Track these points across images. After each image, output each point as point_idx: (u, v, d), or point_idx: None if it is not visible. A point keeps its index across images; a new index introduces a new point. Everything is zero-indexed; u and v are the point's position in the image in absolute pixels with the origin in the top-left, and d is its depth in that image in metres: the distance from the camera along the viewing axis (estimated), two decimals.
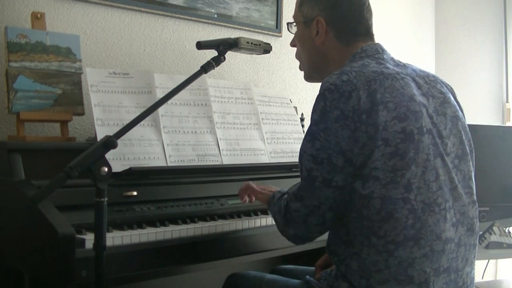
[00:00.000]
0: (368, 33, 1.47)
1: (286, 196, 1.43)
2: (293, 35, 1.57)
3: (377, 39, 1.49)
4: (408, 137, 1.25)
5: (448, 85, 1.47)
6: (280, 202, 1.43)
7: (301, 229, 1.34)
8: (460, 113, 1.41)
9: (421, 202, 1.25)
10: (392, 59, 1.42)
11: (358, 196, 1.26)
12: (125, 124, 1.33)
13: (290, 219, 1.35)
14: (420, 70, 1.43)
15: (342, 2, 1.45)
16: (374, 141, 1.23)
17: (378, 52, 1.41)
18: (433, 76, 1.43)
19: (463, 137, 1.38)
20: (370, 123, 1.23)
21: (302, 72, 1.60)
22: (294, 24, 1.55)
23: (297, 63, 1.60)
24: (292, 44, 1.59)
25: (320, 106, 1.28)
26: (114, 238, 1.39)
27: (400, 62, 1.43)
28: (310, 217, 1.31)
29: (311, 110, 1.33)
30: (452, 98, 1.41)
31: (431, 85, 1.38)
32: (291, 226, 1.36)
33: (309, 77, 1.57)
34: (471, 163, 1.39)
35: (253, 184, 1.72)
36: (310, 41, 1.49)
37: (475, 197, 1.38)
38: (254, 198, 1.72)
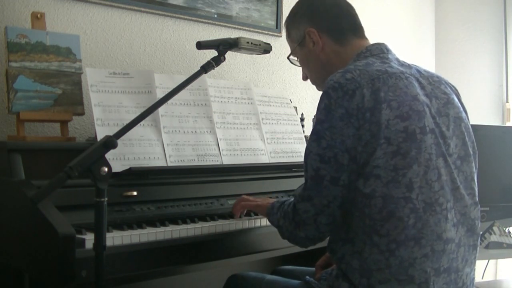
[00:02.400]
0: (356, 26, 1.50)
1: (287, 202, 1.42)
2: (300, 67, 1.61)
3: (377, 39, 1.50)
4: (410, 136, 1.25)
5: (453, 86, 1.47)
6: (283, 208, 1.42)
7: (311, 230, 1.33)
8: (464, 114, 1.41)
9: (423, 201, 1.25)
10: (397, 59, 1.42)
11: (360, 195, 1.26)
12: (125, 124, 1.33)
13: (299, 221, 1.34)
14: (425, 71, 1.43)
15: (318, 7, 1.50)
16: (376, 139, 1.23)
17: (382, 51, 1.42)
18: (437, 76, 1.43)
19: (466, 138, 1.38)
20: (373, 121, 1.24)
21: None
22: (295, 58, 1.60)
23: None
24: (304, 77, 1.62)
25: (324, 104, 1.28)
26: (114, 238, 1.39)
27: (405, 62, 1.43)
28: (320, 216, 1.30)
29: (311, 110, 1.34)
30: (456, 99, 1.41)
31: (435, 86, 1.38)
32: (301, 229, 1.35)
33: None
34: (473, 164, 1.39)
35: (248, 197, 1.71)
36: (311, 55, 1.52)
37: (476, 199, 1.37)
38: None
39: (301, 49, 1.54)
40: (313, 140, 1.30)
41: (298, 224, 1.35)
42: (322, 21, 1.49)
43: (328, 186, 1.27)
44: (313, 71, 1.56)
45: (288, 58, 1.63)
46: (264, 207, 1.55)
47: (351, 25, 1.49)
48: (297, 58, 1.59)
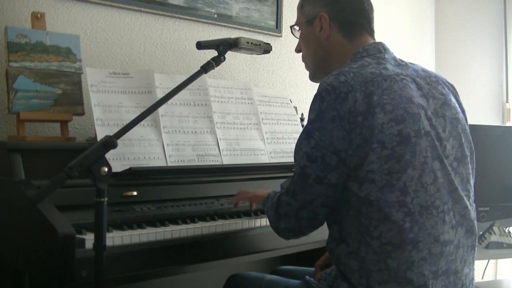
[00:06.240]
0: (369, 28, 1.47)
1: (278, 193, 1.43)
2: (297, 40, 1.58)
3: (377, 39, 1.49)
4: (405, 140, 1.24)
5: (451, 85, 1.46)
6: (272, 199, 1.43)
7: (292, 222, 1.35)
8: (461, 115, 1.40)
9: (418, 205, 1.24)
10: (394, 58, 1.41)
11: (355, 197, 1.26)
12: (125, 124, 1.33)
13: (281, 213, 1.36)
14: (422, 70, 1.42)
15: None
16: (369, 144, 1.23)
17: (379, 51, 1.40)
18: (435, 76, 1.42)
19: (463, 139, 1.37)
20: (366, 125, 1.23)
21: (302, 72, 1.61)
22: (297, 28, 1.56)
23: (297, 63, 1.61)
24: (297, 49, 1.60)
25: (317, 106, 1.28)
26: (114, 238, 1.39)
27: (402, 61, 1.42)
28: (302, 211, 1.32)
29: None
30: (454, 100, 1.40)
31: (432, 86, 1.38)
32: (282, 220, 1.37)
33: (314, 77, 1.57)
34: (470, 166, 1.38)
35: (247, 190, 1.74)
36: (314, 39, 1.49)
37: (472, 200, 1.37)
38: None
39: (307, 27, 1.52)
40: (303, 139, 1.31)
41: (280, 216, 1.37)
42: (339, 12, 1.46)
43: (313, 184, 1.28)
44: (310, 53, 1.54)
45: (291, 27, 1.60)
46: (261, 197, 1.57)
47: (365, 25, 1.47)
48: (300, 31, 1.56)
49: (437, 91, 1.37)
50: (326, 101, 1.26)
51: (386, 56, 1.39)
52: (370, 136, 1.23)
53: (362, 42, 1.43)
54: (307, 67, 1.58)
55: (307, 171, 1.29)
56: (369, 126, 1.23)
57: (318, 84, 1.35)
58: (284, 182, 1.41)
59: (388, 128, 1.24)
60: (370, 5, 1.50)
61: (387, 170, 1.23)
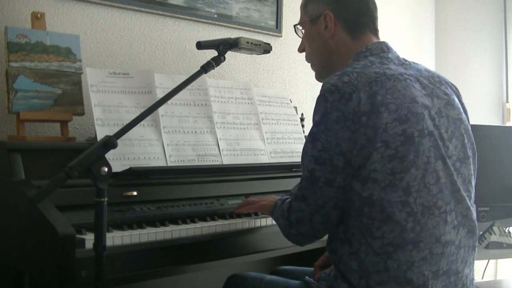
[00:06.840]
0: (374, 27, 1.47)
1: (288, 200, 1.42)
2: (299, 40, 1.58)
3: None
4: (408, 140, 1.24)
5: (454, 86, 1.46)
6: (281, 207, 1.42)
7: (305, 227, 1.34)
8: (464, 115, 1.40)
9: (421, 205, 1.24)
10: (397, 58, 1.41)
11: (357, 197, 1.26)
12: (125, 124, 1.33)
13: (293, 219, 1.35)
14: (426, 70, 1.42)
15: None
16: (373, 144, 1.23)
17: (383, 50, 1.40)
18: (438, 76, 1.42)
19: (465, 140, 1.37)
20: (370, 125, 1.23)
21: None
22: (301, 28, 1.56)
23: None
24: (301, 49, 1.59)
25: (321, 107, 1.28)
26: (114, 238, 1.39)
27: (406, 61, 1.42)
28: (315, 215, 1.31)
29: (311, 110, 1.33)
30: (457, 100, 1.40)
31: (436, 86, 1.37)
32: (294, 227, 1.36)
33: (320, 77, 1.56)
34: (472, 166, 1.38)
35: (253, 199, 1.72)
36: (319, 37, 1.49)
37: (473, 201, 1.37)
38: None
39: (311, 26, 1.52)
40: (309, 142, 1.30)
41: (292, 223, 1.36)
42: (344, 10, 1.46)
43: (323, 187, 1.28)
44: (315, 52, 1.54)
45: (294, 26, 1.59)
46: (268, 206, 1.56)
47: (369, 24, 1.47)
48: (303, 30, 1.56)
49: (440, 91, 1.37)
50: (330, 101, 1.26)
51: (389, 55, 1.39)
52: (374, 136, 1.23)
53: (365, 41, 1.43)
54: (312, 67, 1.58)
55: (316, 174, 1.28)
56: (373, 126, 1.23)
57: (319, 83, 1.35)
58: (293, 188, 1.40)
59: (392, 127, 1.24)
60: (374, 4, 1.50)
61: (390, 170, 1.23)
